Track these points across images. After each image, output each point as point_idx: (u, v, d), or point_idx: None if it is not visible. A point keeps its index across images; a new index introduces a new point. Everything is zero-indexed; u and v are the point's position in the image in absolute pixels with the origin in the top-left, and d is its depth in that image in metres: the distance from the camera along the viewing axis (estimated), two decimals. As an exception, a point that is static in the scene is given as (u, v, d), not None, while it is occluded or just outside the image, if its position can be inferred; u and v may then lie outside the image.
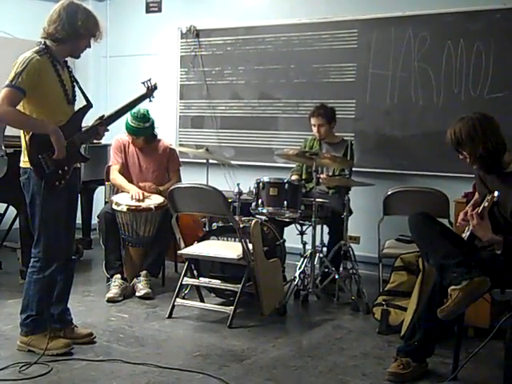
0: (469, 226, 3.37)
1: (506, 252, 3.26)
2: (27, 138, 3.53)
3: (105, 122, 3.80)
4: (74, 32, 3.56)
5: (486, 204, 3.25)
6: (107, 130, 3.84)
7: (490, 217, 3.27)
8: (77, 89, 3.77)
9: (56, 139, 3.50)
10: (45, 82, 3.53)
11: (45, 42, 3.59)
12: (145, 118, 5.12)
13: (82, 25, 3.56)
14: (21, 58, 3.50)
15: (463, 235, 3.46)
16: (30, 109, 3.54)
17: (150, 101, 4.06)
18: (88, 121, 3.81)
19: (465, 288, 3.18)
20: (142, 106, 5.13)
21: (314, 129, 5.46)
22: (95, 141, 3.97)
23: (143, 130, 5.17)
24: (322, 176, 5.14)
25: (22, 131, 3.61)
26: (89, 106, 3.77)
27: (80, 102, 3.78)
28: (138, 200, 5.01)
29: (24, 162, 3.62)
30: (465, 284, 3.18)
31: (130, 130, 5.16)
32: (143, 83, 3.98)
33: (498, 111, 4.50)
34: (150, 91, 3.99)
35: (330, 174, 5.32)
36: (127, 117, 4.97)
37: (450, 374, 3.45)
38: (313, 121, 5.46)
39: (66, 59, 3.73)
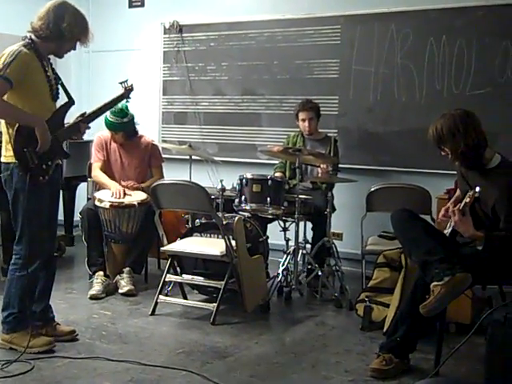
0: (451, 222, 3.39)
1: (487, 248, 3.28)
2: (12, 130, 3.50)
3: (85, 120, 3.79)
4: (58, 33, 3.55)
5: (468, 200, 3.27)
6: (88, 128, 3.83)
7: (471, 213, 3.30)
8: (59, 86, 3.75)
9: (41, 132, 3.49)
10: (32, 76, 3.52)
11: (30, 37, 3.58)
12: (123, 112, 5.09)
13: (67, 27, 3.54)
14: (8, 50, 3.48)
15: (445, 231, 3.47)
16: (15, 102, 3.50)
17: (127, 101, 4.12)
18: (69, 118, 3.80)
19: (447, 284, 3.20)
20: (123, 101, 5.11)
21: (303, 124, 5.43)
22: (75, 138, 3.93)
23: (122, 125, 5.14)
24: (320, 170, 5.15)
25: (3, 125, 3.58)
26: (71, 102, 3.76)
27: (62, 100, 3.77)
28: (119, 198, 4.98)
29: (5, 156, 3.59)
30: (447, 280, 3.21)
31: (109, 124, 5.13)
32: (121, 83, 4.01)
33: (479, 108, 4.51)
34: (127, 92, 4.01)
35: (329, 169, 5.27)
36: (106, 112, 4.95)
37: (432, 369, 3.47)
38: (302, 115, 5.43)
39: (49, 56, 3.71)
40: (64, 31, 3.55)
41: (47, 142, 3.52)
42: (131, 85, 4.01)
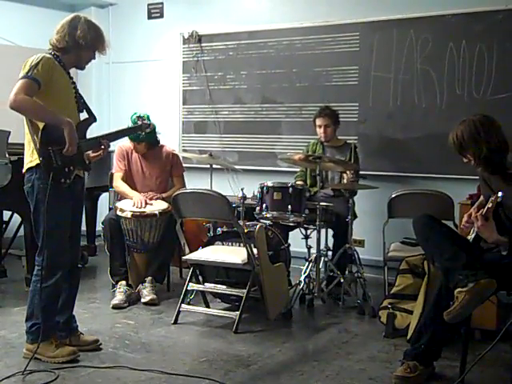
0: (474, 227, 3.36)
1: (511, 253, 3.25)
2: (37, 136, 3.52)
3: (105, 137, 3.85)
4: (73, 42, 3.64)
5: (490, 205, 3.24)
6: (109, 146, 3.87)
7: (494, 218, 3.26)
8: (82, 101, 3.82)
9: (69, 132, 3.51)
10: (57, 81, 3.59)
11: (53, 51, 3.66)
12: None
13: (81, 35, 3.64)
14: (34, 55, 3.56)
15: (468, 237, 3.44)
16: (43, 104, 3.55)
17: (143, 134, 4.62)
18: (92, 132, 3.84)
19: (471, 290, 3.17)
20: (144, 111, 5.16)
21: (320, 130, 5.44)
22: (95, 158, 3.92)
23: (144, 136, 5.16)
24: (346, 176, 5.14)
25: (27, 133, 3.61)
26: (92, 119, 3.82)
27: (82, 116, 3.83)
28: (141, 208, 5.01)
29: (29, 162, 3.61)
30: (471, 286, 3.17)
31: (131, 135, 5.16)
32: (138, 117, 4.47)
33: (501, 112, 4.51)
34: (145, 126, 4.31)
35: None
36: (128, 123, 4.99)
37: (457, 377, 3.43)
38: (319, 122, 5.44)
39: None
40: (79, 39, 3.64)
41: (74, 144, 3.54)
42: (149, 124, 4.34)
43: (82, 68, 3.84)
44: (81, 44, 3.65)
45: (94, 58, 3.81)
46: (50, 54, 3.64)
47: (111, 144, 3.94)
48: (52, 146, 3.53)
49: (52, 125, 3.51)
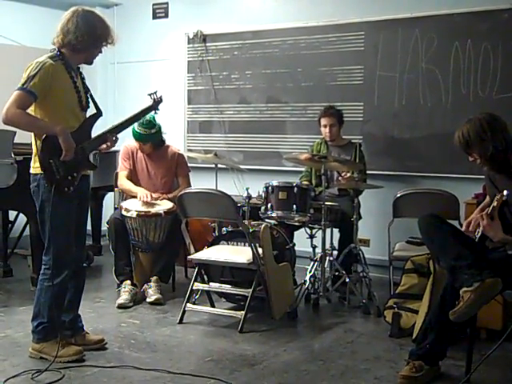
0: (479, 226, 3.35)
1: (517, 252, 3.25)
2: (39, 142, 3.53)
3: (113, 131, 3.80)
4: (95, 41, 3.58)
5: (496, 204, 3.23)
6: (117, 139, 3.84)
7: (500, 217, 3.26)
8: (89, 96, 3.78)
9: (64, 139, 3.49)
10: (58, 87, 3.54)
11: (59, 49, 3.60)
12: (151, 124, 5.12)
13: (102, 34, 3.58)
14: (34, 62, 3.51)
15: (474, 236, 3.44)
16: (42, 114, 3.53)
17: (155, 113, 4.09)
18: (97, 129, 3.81)
19: (477, 290, 3.16)
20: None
21: (325, 129, 5.44)
22: (105, 150, 3.91)
23: (149, 136, 5.17)
24: (341, 178, 5.13)
25: (33, 137, 3.61)
26: (99, 114, 3.78)
27: (90, 110, 3.80)
28: (146, 202, 5.01)
29: (34, 168, 3.63)
30: (476, 286, 3.17)
31: (137, 136, 5.16)
32: (149, 95, 4.00)
33: (506, 111, 4.49)
34: (156, 103, 4.00)
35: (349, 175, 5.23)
36: (134, 124, 4.99)
37: (462, 376, 3.43)
38: (324, 121, 5.44)
39: (79, 66, 3.75)
40: (101, 37, 3.59)
41: (71, 150, 3.52)
42: (160, 96, 3.99)
43: (91, 63, 3.74)
44: (101, 42, 3.60)
45: (101, 52, 3.73)
46: (56, 54, 3.57)
47: (118, 141, 3.91)
48: (53, 157, 3.52)
49: (52, 135, 3.49)
